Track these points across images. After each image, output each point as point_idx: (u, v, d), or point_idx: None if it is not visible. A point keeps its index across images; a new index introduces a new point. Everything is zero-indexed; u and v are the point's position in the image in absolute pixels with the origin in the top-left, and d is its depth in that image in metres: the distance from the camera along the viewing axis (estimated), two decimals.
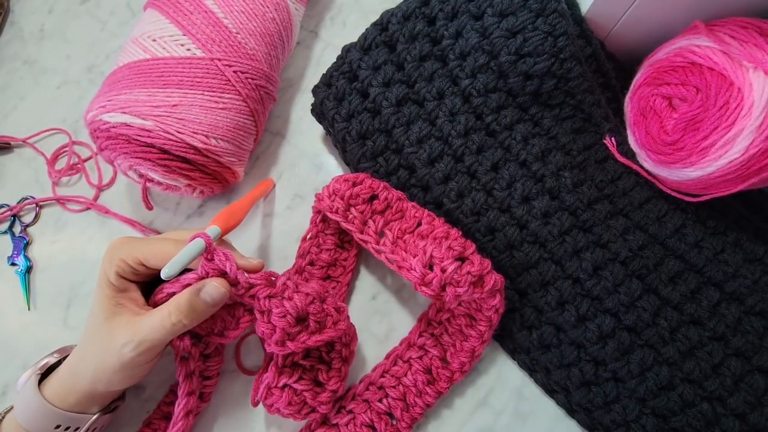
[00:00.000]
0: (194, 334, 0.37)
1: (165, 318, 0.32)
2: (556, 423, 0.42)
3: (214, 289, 0.32)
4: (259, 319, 0.34)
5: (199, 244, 0.31)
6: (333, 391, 0.37)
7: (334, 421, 0.39)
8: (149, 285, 0.36)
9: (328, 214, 0.37)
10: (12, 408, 0.35)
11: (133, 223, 0.45)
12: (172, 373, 0.41)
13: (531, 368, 0.42)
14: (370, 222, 0.37)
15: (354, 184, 0.38)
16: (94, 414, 0.35)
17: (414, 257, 0.35)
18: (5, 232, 0.45)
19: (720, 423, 0.37)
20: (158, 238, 0.35)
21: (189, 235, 0.33)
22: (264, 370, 0.38)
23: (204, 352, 0.38)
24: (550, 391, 0.42)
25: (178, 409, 0.36)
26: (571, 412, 0.41)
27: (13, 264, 0.44)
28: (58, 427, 0.34)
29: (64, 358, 0.36)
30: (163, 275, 0.30)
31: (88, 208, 0.45)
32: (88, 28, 0.50)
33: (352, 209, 0.37)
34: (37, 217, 0.45)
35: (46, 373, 0.36)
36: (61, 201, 0.45)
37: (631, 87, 0.41)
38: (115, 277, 0.33)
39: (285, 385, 0.36)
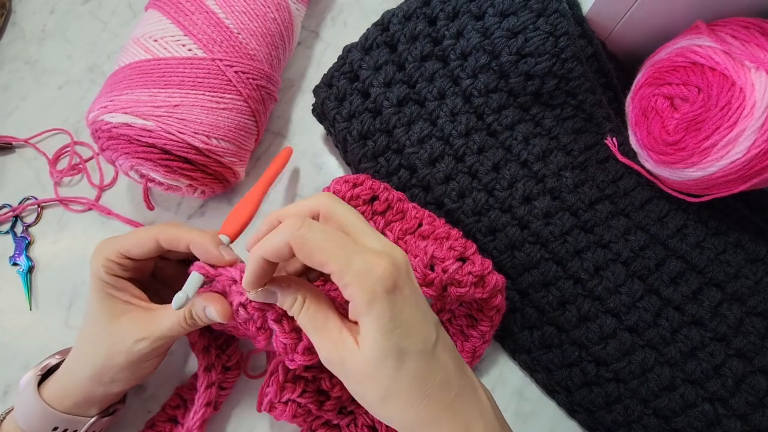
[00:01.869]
0: (219, 346, 0.38)
1: (182, 320, 0.33)
2: (557, 423, 0.42)
3: (215, 314, 0.32)
4: (277, 331, 0.32)
5: (197, 278, 0.32)
6: (337, 398, 0.37)
7: (335, 422, 0.39)
8: (149, 284, 0.36)
9: None
10: (13, 409, 0.35)
11: (136, 225, 0.45)
12: (172, 373, 0.41)
13: (532, 368, 0.42)
14: (371, 223, 0.37)
15: (354, 185, 0.38)
16: (92, 417, 0.35)
17: (415, 258, 0.35)
18: (7, 232, 0.45)
19: (721, 423, 0.37)
20: (136, 229, 0.35)
21: (175, 227, 0.33)
22: (268, 378, 0.37)
23: (226, 364, 0.38)
24: (551, 392, 0.42)
25: (195, 418, 0.36)
26: (572, 412, 0.41)
27: (14, 264, 0.44)
28: (55, 429, 0.34)
29: None
30: (174, 308, 0.30)
31: (90, 209, 0.45)
32: (90, 28, 0.50)
33: None
34: (38, 217, 0.45)
35: (48, 374, 0.36)
36: (63, 202, 0.45)
37: (633, 87, 0.41)
38: (107, 277, 0.33)
39: (288, 400, 0.36)
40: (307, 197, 0.31)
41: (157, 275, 0.37)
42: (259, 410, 0.37)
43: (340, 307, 0.30)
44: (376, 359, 0.26)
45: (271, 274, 0.29)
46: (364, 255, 0.26)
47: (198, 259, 0.33)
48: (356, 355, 0.27)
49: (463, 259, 0.36)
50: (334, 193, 0.37)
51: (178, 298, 0.30)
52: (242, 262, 0.33)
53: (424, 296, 0.34)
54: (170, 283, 0.38)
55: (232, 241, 0.35)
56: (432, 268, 0.35)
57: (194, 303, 0.32)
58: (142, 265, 0.35)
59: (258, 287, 0.29)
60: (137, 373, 0.34)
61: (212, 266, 0.32)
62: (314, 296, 0.29)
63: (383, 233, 0.37)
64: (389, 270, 0.26)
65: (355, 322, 0.28)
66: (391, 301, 0.26)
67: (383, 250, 0.28)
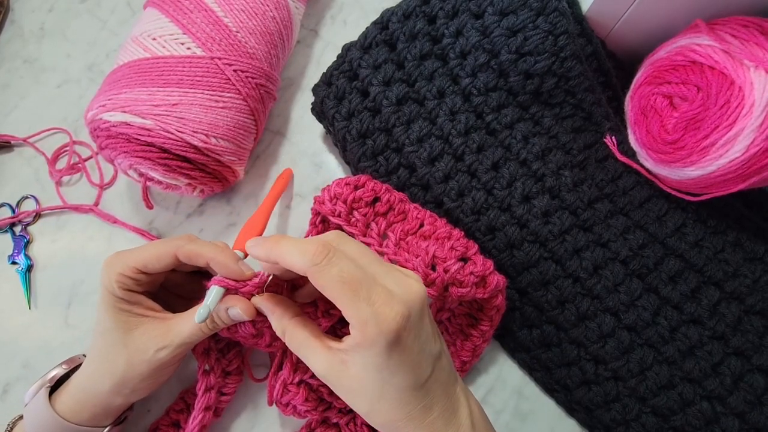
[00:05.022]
0: (219, 349, 0.38)
1: (203, 325, 0.33)
2: (556, 422, 0.42)
3: (238, 315, 0.32)
4: None
5: (218, 291, 0.33)
6: None
7: (334, 421, 0.39)
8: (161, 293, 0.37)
9: (331, 218, 0.37)
10: (21, 417, 0.35)
11: (140, 232, 0.45)
12: (174, 376, 0.41)
13: (531, 367, 0.42)
14: (373, 224, 0.37)
15: (356, 188, 0.37)
16: (106, 426, 0.35)
17: (416, 257, 0.35)
18: (6, 231, 0.45)
19: (720, 422, 0.37)
20: (149, 243, 0.35)
21: (185, 239, 0.34)
22: (275, 370, 0.38)
23: (226, 368, 0.38)
24: (550, 390, 0.42)
25: (194, 423, 0.36)
26: (571, 411, 0.41)
27: (13, 263, 0.44)
28: None
29: (73, 370, 0.36)
30: (197, 321, 0.31)
31: (90, 210, 0.45)
32: (89, 26, 0.50)
33: (355, 212, 0.37)
34: (37, 215, 0.45)
35: (56, 384, 0.36)
36: (64, 209, 0.45)
37: (632, 86, 0.41)
38: (121, 292, 0.33)
39: (301, 381, 0.36)
40: (316, 236, 0.32)
41: (164, 284, 0.37)
42: (270, 403, 0.37)
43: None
44: (360, 385, 0.28)
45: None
46: (374, 304, 0.26)
47: (213, 273, 0.34)
48: (343, 373, 0.28)
49: (464, 260, 0.36)
50: (335, 195, 0.37)
51: (201, 313, 0.31)
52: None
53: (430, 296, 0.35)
54: (177, 292, 0.38)
55: (245, 257, 0.35)
56: (434, 268, 0.35)
57: (216, 308, 0.33)
58: (155, 278, 0.35)
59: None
60: (157, 381, 0.35)
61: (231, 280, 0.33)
62: (297, 324, 0.31)
63: (385, 234, 0.37)
64: (396, 324, 0.27)
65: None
66: (389, 351, 0.27)
67: (399, 293, 0.27)
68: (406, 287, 0.28)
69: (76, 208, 0.45)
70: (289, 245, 0.28)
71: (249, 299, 0.33)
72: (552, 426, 0.42)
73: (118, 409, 0.35)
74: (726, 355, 0.38)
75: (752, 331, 0.38)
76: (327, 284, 0.27)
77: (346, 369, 0.28)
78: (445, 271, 0.34)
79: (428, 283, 0.34)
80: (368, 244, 0.37)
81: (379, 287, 0.27)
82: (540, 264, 0.39)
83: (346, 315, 0.27)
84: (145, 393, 0.35)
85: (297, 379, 0.36)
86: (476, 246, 0.37)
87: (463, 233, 0.38)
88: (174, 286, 0.38)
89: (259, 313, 0.34)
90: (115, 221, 0.45)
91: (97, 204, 0.45)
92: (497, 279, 0.36)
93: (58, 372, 0.36)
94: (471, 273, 0.35)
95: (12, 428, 0.35)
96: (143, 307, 0.34)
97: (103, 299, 0.34)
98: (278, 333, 0.31)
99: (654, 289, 0.39)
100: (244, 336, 0.35)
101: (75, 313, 0.43)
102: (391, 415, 0.28)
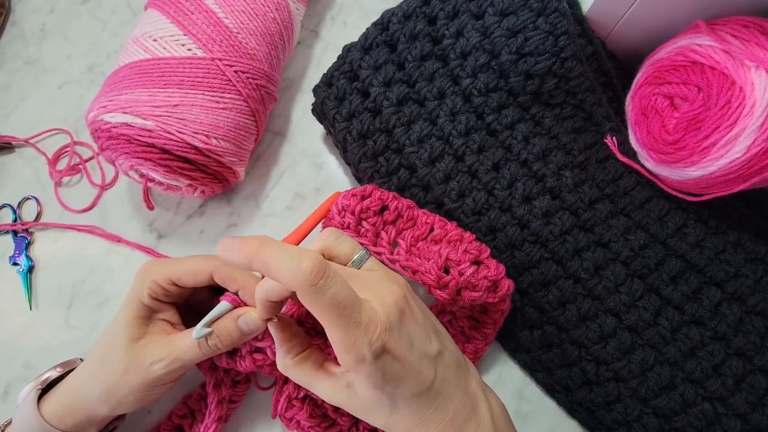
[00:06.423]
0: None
1: (203, 341, 0.32)
2: (557, 423, 0.42)
3: (251, 319, 0.32)
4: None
5: (225, 306, 0.33)
6: None
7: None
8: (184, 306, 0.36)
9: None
10: (11, 421, 0.35)
11: (145, 250, 0.44)
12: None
13: (532, 368, 0.42)
14: (383, 233, 0.37)
15: (363, 198, 0.37)
16: None
17: (429, 261, 0.35)
18: (7, 232, 0.45)
19: (721, 423, 0.37)
20: (187, 257, 0.35)
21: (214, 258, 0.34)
22: (282, 383, 0.37)
23: (235, 378, 0.38)
24: (551, 391, 0.42)
25: None
26: (572, 411, 0.41)
27: (14, 264, 0.44)
28: None
29: (67, 373, 0.36)
30: (194, 337, 0.31)
31: (91, 232, 0.45)
32: (89, 27, 0.50)
33: (364, 223, 0.37)
34: (38, 216, 0.45)
35: (49, 386, 0.35)
36: (69, 227, 0.45)
37: (633, 86, 0.41)
38: (149, 300, 0.33)
39: (306, 397, 0.36)
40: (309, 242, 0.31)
41: (188, 299, 0.37)
42: (274, 416, 0.37)
43: None
44: (370, 404, 0.28)
45: (279, 309, 0.31)
46: (360, 325, 0.26)
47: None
48: (352, 395, 0.28)
49: (477, 263, 0.35)
50: (343, 208, 0.37)
51: (199, 328, 0.31)
52: None
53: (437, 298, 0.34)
54: (199, 309, 0.37)
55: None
56: (447, 271, 0.34)
57: (221, 323, 0.32)
58: (184, 292, 0.35)
59: (265, 317, 0.31)
60: (146, 398, 0.34)
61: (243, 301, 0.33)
62: (299, 361, 0.30)
63: (395, 242, 0.37)
64: (381, 341, 0.26)
65: None
66: (381, 363, 0.26)
67: (377, 307, 0.27)
68: (381, 298, 0.28)
69: (80, 229, 0.45)
70: (278, 253, 0.25)
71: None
72: (553, 427, 0.42)
73: (102, 420, 0.35)
74: (727, 356, 0.38)
75: (754, 332, 0.38)
76: (320, 308, 0.25)
77: (354, 391, 0.28)
78: (460, 274, 0.34)
79: (441, 286, 0.34)
80: (379, 253, 0.36)
81: (365, 307, 0.26)
82: (541, 264, 0.39)
83: (331, 337, 0.26)
84: (131, 408, 0.34)
85: (302, 394, 0.36)
86: (488, 250, 0.37)
87: (474, 236, 0.38)
88: (197, 303, 0.37)
89: (258, 351, 0.34)
90: (119, 240, 0.44)
91: (94, 204, 0.45)
92: (508, 284, 0.36)
93: (52, 374, 0.36)
94: (485, 277, 0.34)
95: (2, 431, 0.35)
96: (160, 317, 0.34)
97: (126, 304, 0.33)
98: (281, 370, 0.30)
99: (655, 289, 0.39)
100: (243, 369, 0.35)
101: (76, 314, 0.43)
102: (407, 423, 0.28)
